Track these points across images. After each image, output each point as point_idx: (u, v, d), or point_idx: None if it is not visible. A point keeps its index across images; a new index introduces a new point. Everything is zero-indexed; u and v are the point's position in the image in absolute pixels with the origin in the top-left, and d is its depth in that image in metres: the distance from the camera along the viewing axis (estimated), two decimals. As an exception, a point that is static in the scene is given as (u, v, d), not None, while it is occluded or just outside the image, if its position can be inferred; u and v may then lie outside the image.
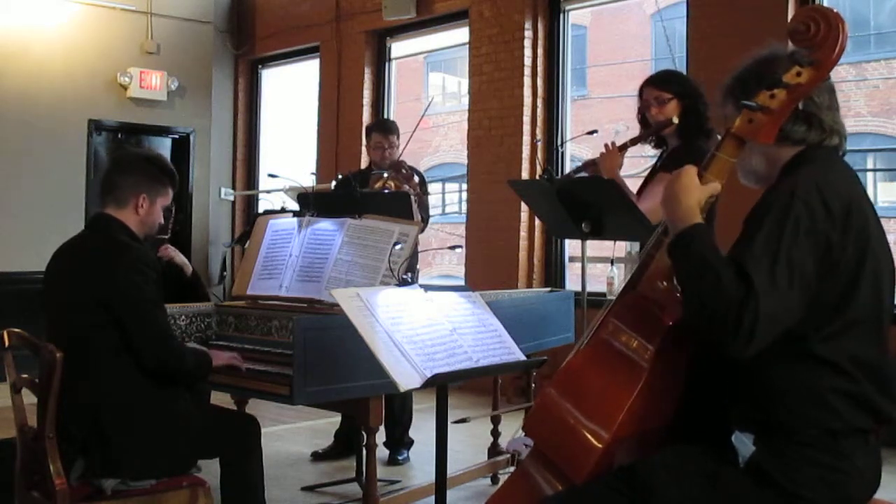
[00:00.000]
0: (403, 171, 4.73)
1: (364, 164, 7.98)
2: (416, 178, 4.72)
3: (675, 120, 3.39)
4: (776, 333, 1.67)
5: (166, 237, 3.41)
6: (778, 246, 1.67)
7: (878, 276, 1.78)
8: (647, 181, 3.58)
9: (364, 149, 7.94)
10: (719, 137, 1.93)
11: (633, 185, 3.65)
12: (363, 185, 4.64)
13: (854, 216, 1.74)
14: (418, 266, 4.95)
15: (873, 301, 1.77)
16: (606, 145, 3.50)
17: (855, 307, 1.74)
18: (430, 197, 5.05)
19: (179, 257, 3.64)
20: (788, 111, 1.79)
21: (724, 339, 1.65)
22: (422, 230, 4.61)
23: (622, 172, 3.56)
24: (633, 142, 3.52)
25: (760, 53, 1.91)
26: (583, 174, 3.66)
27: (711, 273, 1.67)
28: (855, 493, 1.76)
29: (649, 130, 3.48)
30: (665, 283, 1.87)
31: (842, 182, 1.79)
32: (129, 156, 3.01)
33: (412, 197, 4.23)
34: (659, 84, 3.48)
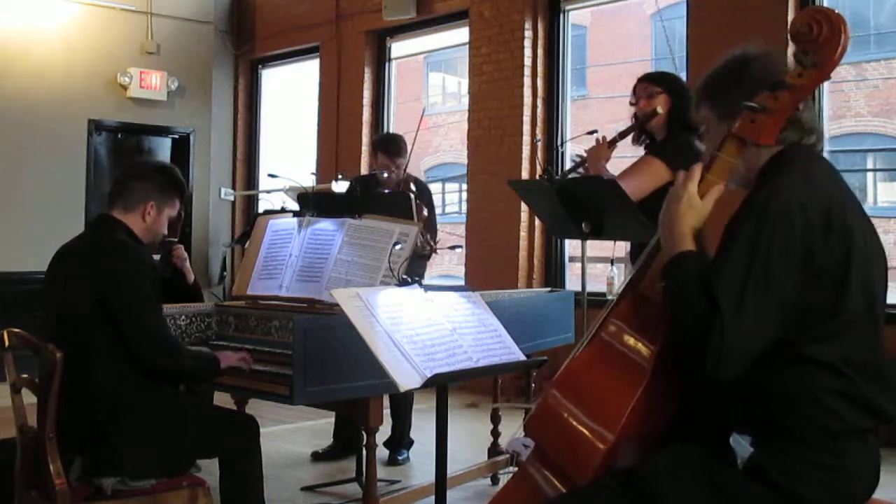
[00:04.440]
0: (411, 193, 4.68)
1: (364, 164, 8.00)
2: (422, 208, 4.62)
3: (660, 110, 3.44)
4: (747, 360, 1.69)
5: (175, 239, 3.42)
6: (748, 270, 1.69)
7: (867, 275, 1.77)
8: None
9: (365, 148, 7.99)
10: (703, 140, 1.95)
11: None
12: (372, 187, 4.62)
13: (834, 217, 1.74)
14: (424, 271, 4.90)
15: (865, 300, 1.77)
16: (597, 139, 3.56)
17: (847, 309, 1.74)
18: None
19: (187, 264, 3.64)
20: (790, 111, 1.79)
21: (699, 365, 1.69)
22: (430, 253, 4.57)
23: (613, 168, 3.60)
24: (622, 135, 3.58)
25: (732, 54, 1.93)
26: (579, 170, 3.69)
27: (687, 304, 1.72)
28: (854, 492, 1.75)
29: (636, 122, 3.54)
30: (660, 277, 1.87)
31: (822, 183, 1.80)
32: (144, 164, 3.07)
33: (413, 200, 4.21)
34: (650, 79, 3.57)
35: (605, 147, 3.52)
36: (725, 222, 1.80)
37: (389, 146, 4.88)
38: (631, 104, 3.58)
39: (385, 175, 4.73)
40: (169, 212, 2.99)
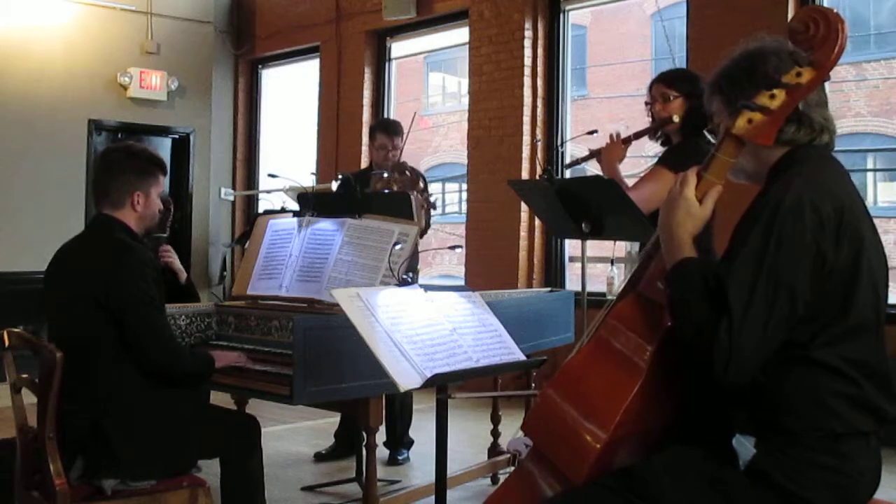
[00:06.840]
0: (407, 172, 4.71)
1: (364, 163, 8.00)
2: (422, 184, 4.70)
3: (676, 119, 3.39)
4: (758, 361, 1.68)
5: (164, 235, 3.41)
6: (758, 268, 1.67)
7: (874, 278, 1.77)
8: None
9: (365, 148, 8.00)
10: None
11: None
12: (363, 185, 4.62)
13: (846, 219, 1.72)
14: (419, 266, 4.94)
15: (872, 304, 1.76)
16: (611, 135, 3.51)
17: (855, 312, 1.73)
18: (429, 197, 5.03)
19: (176, 263, 3.64)
20: (788, 112, 1.78)
21: (708, 368, 1.68)
22: (423, 233, 4.59)
23: (623, 171, 3.59)
24: (637, 135, 3.52)
25: (748, 47, 1.89)
26: (589, 161, 3.68)
27: (691, 310, 1.71)
28: (856, 494, 1.75)
29: (651, 126, 3.50)
30: (664, 284, 1.86)
31: (833, 184, 1.78)
32: (113, 157, 2.96)
33: (413, 199, 4.22)
34: (667, 81, 3.47)
35: (619, 144, 3.48)
36: (733, 218, 1.79)
37: (388, 125, 5.01)
38: (646, 103, 3.53)
39: (385, 175, 4.73)
40: (156, 190, 2.95)
